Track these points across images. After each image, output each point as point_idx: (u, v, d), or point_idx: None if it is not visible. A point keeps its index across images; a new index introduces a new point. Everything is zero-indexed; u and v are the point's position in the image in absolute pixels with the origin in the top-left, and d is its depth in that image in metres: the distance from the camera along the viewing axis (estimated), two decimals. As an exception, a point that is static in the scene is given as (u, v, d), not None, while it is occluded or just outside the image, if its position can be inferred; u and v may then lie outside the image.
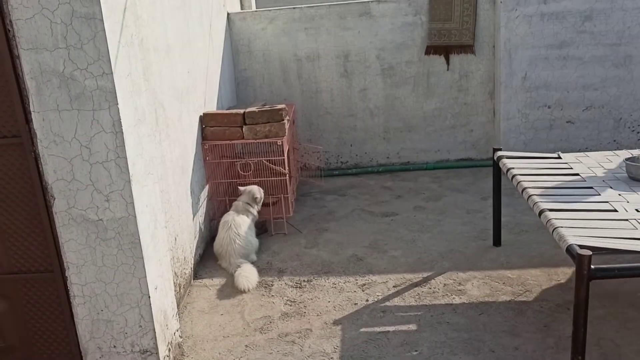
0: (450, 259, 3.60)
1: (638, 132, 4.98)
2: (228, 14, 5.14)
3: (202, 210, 3.84)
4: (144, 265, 2.38)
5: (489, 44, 5.09)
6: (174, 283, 3.07)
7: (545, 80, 4.92)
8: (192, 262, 3.52)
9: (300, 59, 5.23)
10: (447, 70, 5.19)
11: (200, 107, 4.00)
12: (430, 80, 5.24)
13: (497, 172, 3.57)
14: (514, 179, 3.17)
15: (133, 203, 2.32)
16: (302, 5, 5.20)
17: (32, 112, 2.22)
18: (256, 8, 6.47)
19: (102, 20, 2.11)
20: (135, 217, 2.34)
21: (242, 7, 6.27)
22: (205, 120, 3.97)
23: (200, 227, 3.76)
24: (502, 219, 3.73)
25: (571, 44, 4.84)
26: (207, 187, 3.99)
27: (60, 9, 2.09)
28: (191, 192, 3.61)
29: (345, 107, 5.31)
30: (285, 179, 4.04)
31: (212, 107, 4.33)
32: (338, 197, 4.81)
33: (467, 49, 5.12)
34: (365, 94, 5.26)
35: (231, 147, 4.07)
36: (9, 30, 2.14)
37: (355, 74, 5.22)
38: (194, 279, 3.50)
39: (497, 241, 3.72)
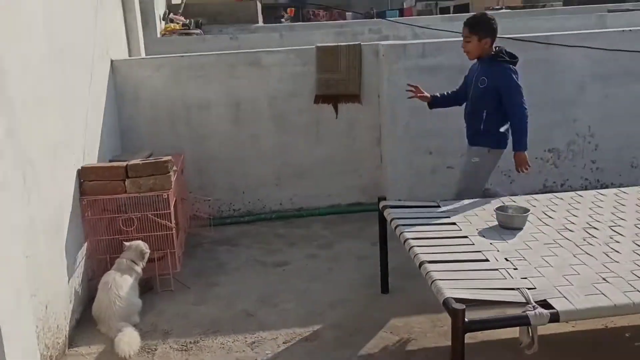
0: (340, 309, 3.63)
1: (509, 176, 5.36)
2: (112, 61, 4.98)
3: (79, 271, 3.60)
4: (3, 349, 2.17)
5: (375, 94, 5.32)
6: (44, 355, 2.83)
7: (426, 128, 5.19)
8: (67, 329, 3.27)
9: (189, 107, 5.16)
10: (336, 118, 5.34)
11: (78, 161, 3.79)
12: (320, 128, 5.35)
13: (383, 221, 3.67)
14: (397, 229, 3.27)
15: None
16: (192, 54, 5.16)
17: None
18: (146, 55, 6.35)
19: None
20: (-6, 292, 2.14)
21: (130, 54, 6.12)
22: (84, 174, 3.77)
23: (76, 290, 3.52)
24: (391, 265, 3.83)
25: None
26: (85, 245, 3.76)
27: None
28: (66, 252, 3.38)
29: (236, 154, 5.28)
30: (172, 233, 3.90)
31: (93, 159, 4.13)
32: (230, 247, 4.73)
33: (354, 98, 5.31)
34: (257, 141, 5.27)
35: (113, 201, 3.88)
36: None
37: (247, 121, 5.23)
38: (68, 348, 3.24)
39: (385, 289, 3.81)
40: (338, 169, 5.44)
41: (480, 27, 3.81)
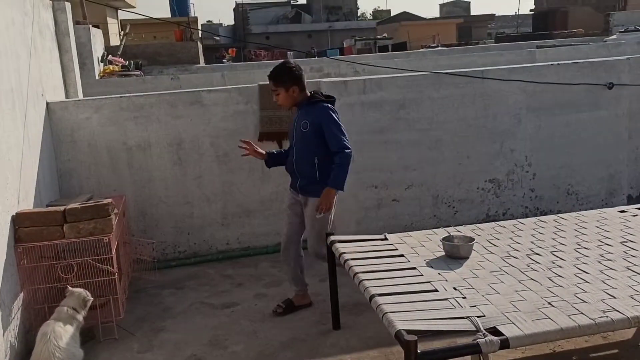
0: (291, 349, 3.56)
1: (453, 207, 5.48)
2: (47, 103, 4.84)
3: (15, 323, 3.40)
4: None
5: (318, 130, 5.35)
6: (-24, 418, 2.62)
7: (370, 162, 5.27)
8: (2, 386, 3.06)
9: (130, 148, 5.04)
10: (281, 155, 5.33)
11: (12, 207, 3.62)
12: (264, 166, 5.32)
13: (331, 256, 3.66)
14: (345, 264, 3.26)
15: None
16: (130, 95, 5.08)
17: None
18: (83, 97, 6.20)
19: None
20: None
21: (67, 96, 5.96)
22: (19, 220, 3.60)
23: (12, 343, 3.31)
24: (341, 300, 3.80)
25: (390, 130, 5.28)
26: (21, 295, 3.56)
27: None
28: (1, 303, 3.19)
29: (180, 195, 5.18)
30: (114, 279, 3.75)
31: (29, 205, 3.94)
32: (175, 290, 4.59)
33: (297, 135, 5.32)
34: (200, 181, 5.19)
35: (51, 247, 3.71)
36: None
37: (190, 161, 5.15)
38: (3, 408, 3.03)
39: (336, 325, 3.77)
40: (285, 206, 5.40)
41: (283, 78, 3.76)
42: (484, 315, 2.50)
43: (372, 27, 43.52)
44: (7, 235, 3.48)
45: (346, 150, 3.71)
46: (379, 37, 32.03)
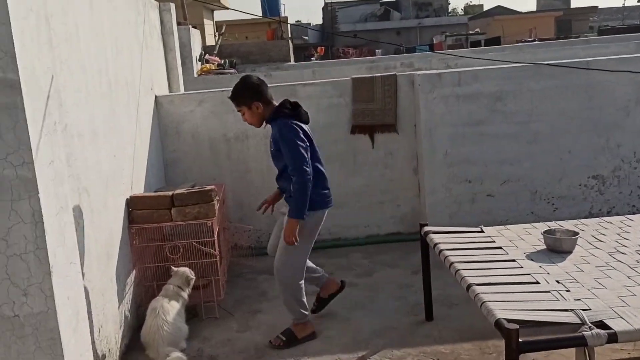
0: (384, 337, 3.59)
1: (553, 204, 5.28)
2: (156, 97, 5.16)
3: (128, 297, 3.67)
4: (63, 364, 2.22)
5: (411, 123, 5.35)
6: (97, 379, 2.87)
7: (464, 156, 5.19)
8: (117, 353, 3.32)
9: (229, 140, 5.27)
10: (373, 148, 5.38)
11: (127, 191, 3.91)
12: (357, 158, 5.40)
13: (425, 247, 3.65)
14: (441, 254, 3.25)
15: (53, 296, 2.19)
16: (230, 88, 5.30)
17: (-57, 205, 2.10)
18: (184, 90, 6.55)
19: (23, 109, 2.07)
20: (55, 311, 2.20)
21: (170, 91, 6.32)
22: (132, 203, 3.88)
23: (126, 315, 3.58)
24: (433, 293, 3.79)
25: (486, 122, 5.17)
26: (134, 272, 3.84)
27: (-22, 98, 2.04)
28: (117, 278, 3.46)
29: (275, 185, 5.33)
30: (216, 261, 3.96)
31: (139, 190, 4.24)
32: (270, 276, 4.72)
33: (390, 128, 5.35)
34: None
35: (159, 229, 3.97)
36: None
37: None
38: (118, 373, 3.29)
39: (429, 316, 3.76)
40: (376, 199, 5.45)
41: (242, 95, 3.44)
42: (590, 309, 2.42)
43: (464, 23, 42.44)
44: (123, 216, 3.76)
45: (301, 175, 3.29)
46: (470, 32, 31.24)
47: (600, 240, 3.25)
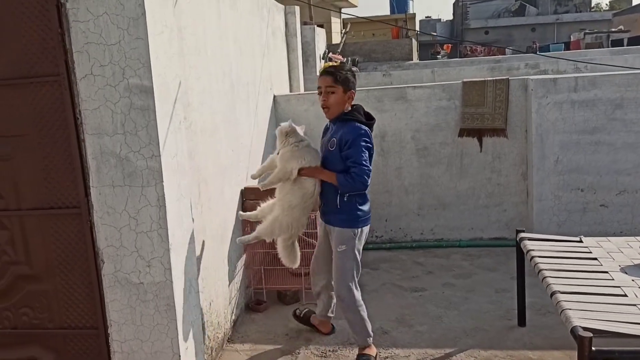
0: (474, 337, 3.68)
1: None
2: (274, 96, 5.58)
3: (238, 278, 4.09)
4: (176, 327, 2.63)
5: (521, 128, 5.30)
6: (207, 346, 3.29)
7: (577, 164, 5.05)
8: (225, 326, 3.74)
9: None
10: (480, 151, 5.40)
11: (242, 182, 4.33)
12: (463, 161, 5.45)
13: (520, 253, 3.69)
14: (532, 260, 3.29)
15: (170, 269, 2.60)
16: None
17: (91, 187, 2.58)
18: (304, 90, 6.96)
19: (154, 111, 2.48)
20: (172, 282, 2.61)
21: (290, 89, 6.76)
22: (246, 193, 4.30)
23: (235, 294, 4.00)
24: (528, 300, 3.80)
25: (602, 130, 4.99)
26: (244, 256, 4.26)
27: (121, 101, 2.48)
28: (228, 260, 3.88)
29: (381, 184, 5.56)
30: (318, 252, 4.25)
31: (253, 182, 4.66)
32: (370, 270, 4.98)
33: (499, 132, 5.34)
34: (400, 172, 5.51)
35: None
36: (77, 118, 2.53)
37: (391, 153, 5.50)
38: (226, 343, 3.71)
39: (521, 321, 3.79)
40: (481, 202, 5.47)
41: (347, 77, 3.18)
42: (676, 327, 2.38)
43: (607, 19, 39.47)
44: (237, 205, 4.19)
45: (364, 169, 3.12)
46: (613, 29, 29.03)
47: None
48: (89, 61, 2.46)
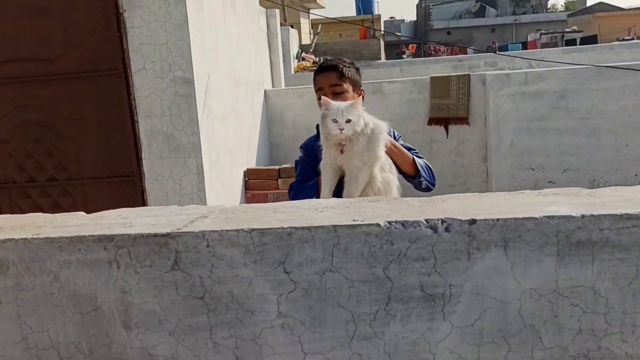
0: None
1: (609, 191, 5.85)
2: (265, 91, 6.26)
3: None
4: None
5: (481, 117, 6.11)
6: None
7: (528, 147, 5.88)
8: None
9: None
10: (447, 138, 6.19)
11: (244, 164, 5.01)
12: (432, 147, 6.23)
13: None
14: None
15: (207, 224, 3.27)
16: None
17: (143, 159, 3.23)
18: (285, 86, 7.65)
19: (195, 97, 3.15)
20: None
21: (273, 85, 7.45)
22: (249, 174, 4.98)
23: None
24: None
25: (549, 118, 5.83)
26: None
27: (168, 90, 3.14)
28: (237, 229, 4.54)
29: (360, 168, 6.28)
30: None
31: (252, 165, 5.33)
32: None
33: (462, 121, 6.14)
34: (377, 157, 6.25)
35: (265, 196, 5.04)
36: (132, 104, 3.18)
37: (369, 140, 6.23)
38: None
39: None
40: (449, 182, 6.25)
41: (356, 74, 2.39)
42: None
43: (562, 20, 41.24)
44: (242, 184, 4.86)
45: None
46: (567, 30, 30.53)
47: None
48: (142, 58, 3.11)
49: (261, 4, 7.58)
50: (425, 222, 0.81)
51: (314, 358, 0.86)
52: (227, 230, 0.85)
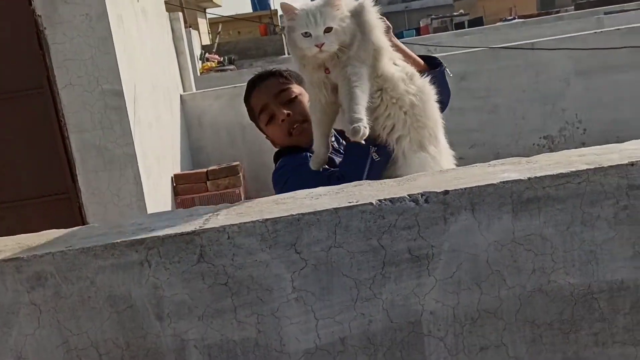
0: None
1: (512, 161, 6.40)
2: (181, 95, 6.26)
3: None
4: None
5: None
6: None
7: (438, 127, 6.29)
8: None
9: (244, 127, 6.35)
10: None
11: (170, 170, 5.02)
12: (350, 135, 6.50)
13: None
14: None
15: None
16: (243, 84, 6.39)
17: (77, 175, 3.22)
18: (196, 90, 7.66)
19: (125, 109, 3.18)
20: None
21: (184, 89, 7.43)
22: (176, 179, 5.00)
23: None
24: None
25: (453, 99, 6.24)
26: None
27: (97, 104, 3.15)
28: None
29: (283, 162, 6.45)
30: (244, 221, 5.07)
31: (177, 171, 5.35)
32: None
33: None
34: (299, 150, 6.44)
35: (197, 199, 5.08)
36: (61, 120, 3.16)
37: (289, 135, 6.41)
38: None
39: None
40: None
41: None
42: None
43: (449, 4, 43.41)
44: (170, 190, 4.88)
45: None
46: (455, 14, 32.24)
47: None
48: (67, 74, 3.10)
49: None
50: (408, 197, 1.00)
51: (324, 322, 1.02)
52: (244, 223, 0.99)
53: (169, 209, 4.69)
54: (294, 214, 0.99)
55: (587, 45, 6.20)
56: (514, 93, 6.25)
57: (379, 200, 1.00)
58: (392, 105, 1.47)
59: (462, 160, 5.98)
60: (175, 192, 4.98)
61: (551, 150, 6.43)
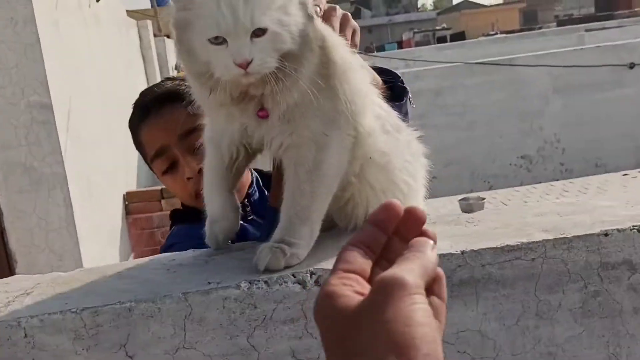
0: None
1: (488, 182, 6.16)
2: (141, 107, 5.92)
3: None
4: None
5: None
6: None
7: (412, 145, 6.04)
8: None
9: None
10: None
11: (123, 187, 4.67)
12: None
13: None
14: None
15: (81, 259, 2.97)
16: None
17: (-1, 196, 2.87)
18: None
19: (55, 124, 2.85)
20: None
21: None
22: (129, 197, 4.65)
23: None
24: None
25: (428, 115, 6.02)
26: (132, 256, 4.61)
27: (23, 117, 2.81)
28: (120, 259, 4.23)
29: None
30: (202, 242, 4.74)
31: (132, 188, 5.00)
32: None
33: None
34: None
35: (150, 219, 4.74)
36: (-20, 135, 2.81)
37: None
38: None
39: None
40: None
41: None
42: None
43: (433, 18, 43.62)
44: (122, 209, 4.53)
45: None
46: (437, 28, 32.30)
47: (505, 204, 4.11)
48: (-13, 84, 2.76)
49: (131, 16, 7.19)
50: (292, 277, 0.70)
51: None
52: (49, 314, 0.68)
53: (119, 229, 4.35)
54: (124, 301, 0.69)
55: (567, 62, 6.01)
56: (492, 110, 6.02)
57: (249, 282, 0.70)
58: (370, 191, 0.88)
59: (435, 180, 5.64)
60: (127, 210, 4.64)
61: (529, 171, 6.20)
